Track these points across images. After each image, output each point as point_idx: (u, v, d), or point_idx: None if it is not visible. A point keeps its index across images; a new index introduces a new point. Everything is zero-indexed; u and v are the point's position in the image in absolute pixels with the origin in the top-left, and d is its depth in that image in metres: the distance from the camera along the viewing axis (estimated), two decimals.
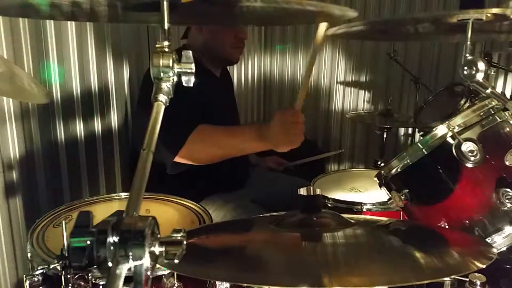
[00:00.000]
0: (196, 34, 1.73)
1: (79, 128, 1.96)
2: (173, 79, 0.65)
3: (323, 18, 1.03)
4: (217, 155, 1.50)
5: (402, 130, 3.10)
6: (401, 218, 1.38)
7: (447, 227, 1.07)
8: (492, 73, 2.48)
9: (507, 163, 1.01)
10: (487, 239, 1.01)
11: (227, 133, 1.50)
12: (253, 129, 1.50)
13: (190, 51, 0.66)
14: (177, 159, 1.45)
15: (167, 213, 1.32)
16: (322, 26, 1.33)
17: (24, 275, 0.96)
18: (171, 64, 0.65)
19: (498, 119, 1.05)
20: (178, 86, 0.67)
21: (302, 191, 0.92)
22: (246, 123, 3.02)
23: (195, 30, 1.73)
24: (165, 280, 1.01)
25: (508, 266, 1.14)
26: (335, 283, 0.66)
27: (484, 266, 0.71)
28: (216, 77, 1.82)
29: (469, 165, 1.01)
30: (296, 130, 1.38)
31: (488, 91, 0.93)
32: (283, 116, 1.39)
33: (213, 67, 1.80)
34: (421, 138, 1.10)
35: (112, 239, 0.45)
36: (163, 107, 0.63)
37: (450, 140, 1.03)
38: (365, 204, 1.55)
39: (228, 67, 1.97)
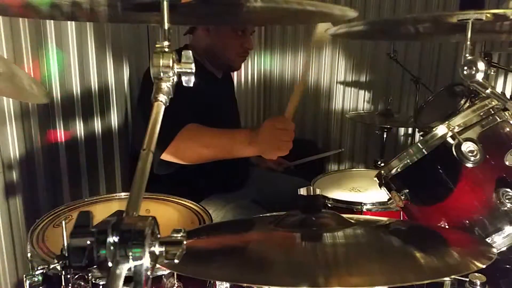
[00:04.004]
0: (202, 35, 1.73)
1: (79, 128, 1.96)
2: (173, 79, 0.65)
3: (323, 18, 1.03)
4: (203, 155, 1.48)
5: (402, 130, 3.10)
6: (401, 218, 1.38)
7: (447, 227, 1.07)
8: (492, 73, 2.48)
9: (507, 163, 1.01)
10: (487, 239, 1.01)
11: (216, 134, 1.49)
12: (242, 133, 1.49)
13: (190, 51, 0.66)
14: (164, 156, 1.43)
15: (167, 213, 1.32)
16: (321, 27, 1.33)
17: (24, 275, 0.96)
18: (171, 64, 0.65)
19: (498, 119, 1.05)
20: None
21: (302, 191, 0.92)
22: (246, 123, 3.02)
23: (201, 31, 1.73)
24: (165, 280, 1.01)
25: (508, 266, 1.14)
26: (335, 283, 0.66)
27: (484, 266, 0.71)
28: (217, 78, 1.83)
29: (469, 165, 1.01)
30: (284, 137, 1.36)
31: (488, 91, 0.93)
32: (272, 123, 1.38)
33: (214, 69, 1.80)
34: (421, 138, 1.10)
35: (112, 239, 0.45)
36: (163, 107, 0.63)
37: (450, 140, 1.03)
38: (365, 204, 1.55)
39: None
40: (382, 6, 2.94)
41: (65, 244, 0.91)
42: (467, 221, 1.04)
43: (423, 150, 1.06)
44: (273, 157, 1.42)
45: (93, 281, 0.94)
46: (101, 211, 1.31)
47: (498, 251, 1.00)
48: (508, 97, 1.15)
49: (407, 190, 1.10)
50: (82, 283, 0.92)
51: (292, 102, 1.41)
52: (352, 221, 0.92)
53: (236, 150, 1.46)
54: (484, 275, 0.85)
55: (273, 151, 1.39)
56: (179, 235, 0.50)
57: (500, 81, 2.85)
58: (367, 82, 3.10)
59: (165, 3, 0.67)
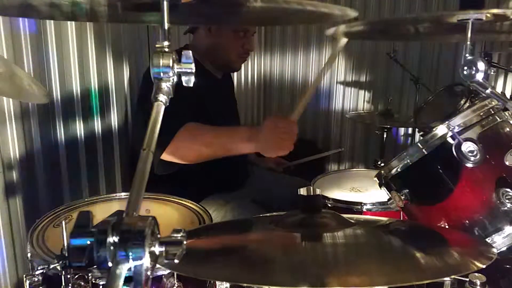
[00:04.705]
0: (203, 35, 1.73)
1: (79, 128, 1.96)
2: (173, 79, 0.65)
3: (323, 18, 1.03)
4: (204, 154, 1.47)
5: (402, 130, 3.10)
6: (401, 218, 1.38)
7: (447, 227, 1.07)
8: (492, 73, 2.48)
9: (507, 163, 1.01)
10: (487, 239, 1.01)
11: (216, 133, 1.48)
12: (242, 130, 1.48)
13: (190, 51, 0.66)
14: (164, 156, 1.43)
15: (167, 213, 1.32)
16: (342, 42, 1.33)
17: (24, 275, 0.96)
18: (171, 64, 0.65)
19: (498, 119, 1.05)
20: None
21: (302, 191, 0.92)
22: (246, 123, 3.02)
23: (202, 31, 1.73)
24: (165, 280, 1.01)
25: (508, 266, 1.14)
26: (335, 283, 0.66)
27: (484, 266, 0.71)
28: (217, 78, 1.82)
29: (469, 165, 1.01)
30: (286, 138, 1.36)
31: (488, 91, 0.93)
32: (275, 122, 1.38)
33: (214, 69, 1.80)
34: (421, 138, 1.10)
35: (112, 239, 0.45)
36: (163, 107, 0.63)
37: (450, 140, 1.03)
38: (365, 204, 1.55)
39: None
40: (382, 6, 2.94)
41: (65, 244, 0.91)
42: (467, 221, 1.04)
43: (423, 150, 1.06)
44: (272, 155, 1.42)
45: (93, 281, 0.94)
46: (101, 211, 1.31)
47: (498, 251, 1.00)
48: (508, 97, 1.15)
49: (407, 190, 1.10)
50: (82, 283, 0.92)
51: (299, 106, 1.41)
52: (352, 221, 0.92)
53: (236, 148, 1.45)
54: (484, 275, 0.85)
55: (274, 150, 1.39)
56: (179, 235, 0.50)
57: (500, 81, 2.86)
58: (367, 82, 3.10)
59: (165, 3, 0.67)
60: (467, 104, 1.10)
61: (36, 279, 0.95)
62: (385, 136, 2.55)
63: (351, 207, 1.56)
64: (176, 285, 1.02)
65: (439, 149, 1.05)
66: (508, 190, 0.99)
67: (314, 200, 0.91)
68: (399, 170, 1.11)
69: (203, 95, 1.56)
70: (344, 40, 1.33)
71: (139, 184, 0.53)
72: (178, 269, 0.81)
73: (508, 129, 1.07)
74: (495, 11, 0.90)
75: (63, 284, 0.90)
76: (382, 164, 1.72)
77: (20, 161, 1.72)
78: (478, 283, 0.84)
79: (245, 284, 0.85)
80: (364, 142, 3.19)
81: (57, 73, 1.84)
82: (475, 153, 1.01)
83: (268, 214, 1.08)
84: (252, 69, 3.06)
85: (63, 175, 1.92)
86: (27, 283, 0.95)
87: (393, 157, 1.12)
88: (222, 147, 1.46)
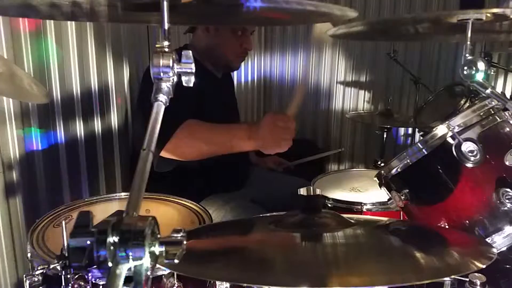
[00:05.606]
0: (202, 34, 1.73)
1: (79, 128, 1.96)
2: (173, 79, 0.65)
3: (323, 18, 1.03)
4: (203, 151, 1.46)
5: (402, 130, 3.10)
6: (401, 218, 1.38)
7: (447, 227, 1.07)
8: (492, 73, 2.48)
9: (507, 163, 1.01)
10: (487, 239, 1.01)
11: (215, 130, 1.48)
12: (242, 128, 1.48)
13: (190, 51, 0.66)
14: (163, 153, 1.42)
15: (167, 213, 1.32)
16: (319, 28, 1.33)
17: (24, 275, 0.96)
18: (171, 64, 0.65)
19: (498, 119, 1.05)
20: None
21: (302, 191, 0.92)
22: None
23: (201, 30, 1.73)
24: (165, 280, 1.01)
25: (508, 266, 1.14)
26: (335, 283, 0.66)
27: (484, 266, 0.71)
28: (217, 77, 1.83)
29: (469, 165, 1.01)
30: (285, 135, 1.36)
31: (488, 91, 0.93)
32: (273, 119, 1.37)
33: (214, 69, 1.80)
34: (421, 138, 1.10)
35: (112, 239, 0.45)
36: (163, 107, 0.63)
37: (450, 140, 1.03)
38: (365, 204, 1.55)
39: None
40: (382, 6, 2.94)
41: (65, 244, 0.91)
42: (467, 221, 1.04)
43: (423, 150, 1.06)
44: (272, 152, 1.41)
45: (93, 281, 0.94)
46: (101, 211, 1.31)
47: (498, 251, 1.00)
48: (508, 97, 1.15)
49: (407, 190, 1.10)
50: (82, 283, 0.92)
51: (295, 101, 1.41)
52: (352, 221, 0.92)
53: (236, 145, 1.45)
54: (484, 275, 0.85)
55: (273, 147, 1.39)
56: (179, 235, 0.50)
57: (500, 81, 2.86)
58: (367, 82, 3.10)
59: (165, 3, 0.67)
60: (467, 104, 1.10)
61: (36, 279, 0.95)
62: (385, 136, 2.55)
63: (351, 207, 1.56)
64: (176, 285, 1.02)
65: (439, 149, 1.05)
66: (508, 190, 0.99)
67: (314, 200, 0.91)
68: (399, 170, 1.11)
69: (203, 94, 1.56)
70: (320, 27, 1.32)
71: (139, 184, 0.53)
72: (178, 269, 0.81)
73: (508, 129, 1.06)
74: (495, 11, 0.90)
75: (63, 284, 0.90)
76: (382, 164, 1.72)
77: (20, 161, 1.72)
78: (478, 283, 0.84)
79: (245, 284, 0.85)
80: (364, 142, 3.19)
81: (57, 73, 1.84)
82: (475, 153, 1.01)
83: (268, 214, 1.08)
84: (252, 69, 3.06)
85: (63, 175, 1.92)
86: (27, 283, 0.95)
87: (393, 157, 1.12)
88: (222, 144, 1.46)
